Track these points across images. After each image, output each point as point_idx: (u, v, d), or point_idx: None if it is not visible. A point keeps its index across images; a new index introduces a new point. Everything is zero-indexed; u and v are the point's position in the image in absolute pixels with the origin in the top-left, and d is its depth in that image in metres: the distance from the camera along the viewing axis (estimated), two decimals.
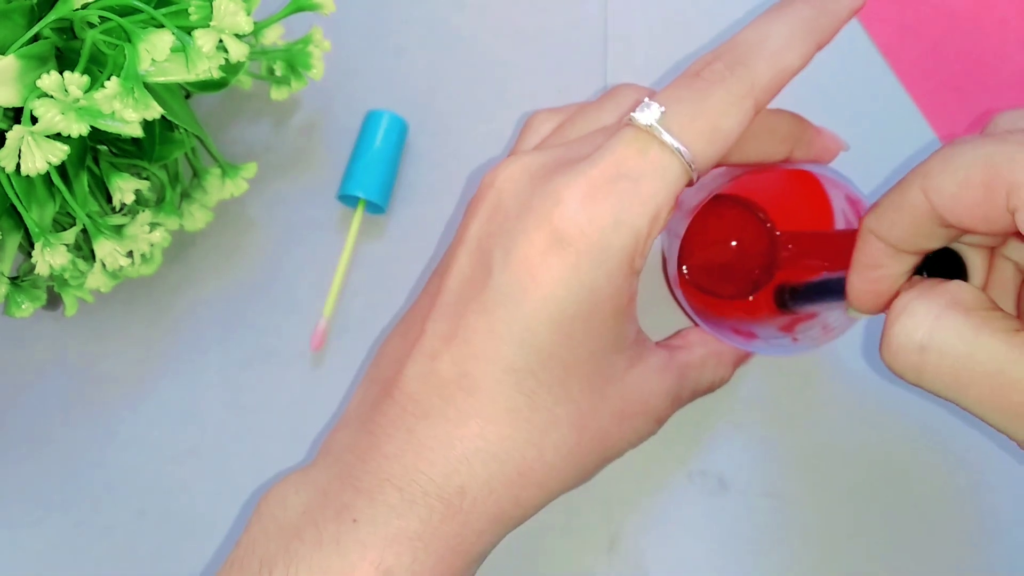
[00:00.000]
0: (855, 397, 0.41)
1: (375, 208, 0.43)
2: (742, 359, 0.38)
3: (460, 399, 0.29)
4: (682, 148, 0.28)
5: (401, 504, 0.28)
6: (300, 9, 0.39)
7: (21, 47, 0.32)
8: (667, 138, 0.28)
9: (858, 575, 0.39)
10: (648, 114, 0.28)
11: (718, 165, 0.31)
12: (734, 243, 0.40)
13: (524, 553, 0.39)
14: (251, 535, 0.30)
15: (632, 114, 0.29)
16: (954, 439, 0.40)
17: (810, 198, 0.39)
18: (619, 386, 0.31)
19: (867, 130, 0.44)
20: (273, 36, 0.41)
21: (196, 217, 0.41)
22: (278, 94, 0.42)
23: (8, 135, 0.31)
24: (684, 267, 0.40)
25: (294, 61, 0.41)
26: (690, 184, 0.29)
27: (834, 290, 0.33)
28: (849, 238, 0.35)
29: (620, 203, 0.28)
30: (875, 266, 0.29)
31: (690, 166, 0.28)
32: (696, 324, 0.36)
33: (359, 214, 0.43)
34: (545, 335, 0.29)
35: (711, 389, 0.37)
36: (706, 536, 0.40)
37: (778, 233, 0.40)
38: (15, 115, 0.32)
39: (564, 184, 0.28)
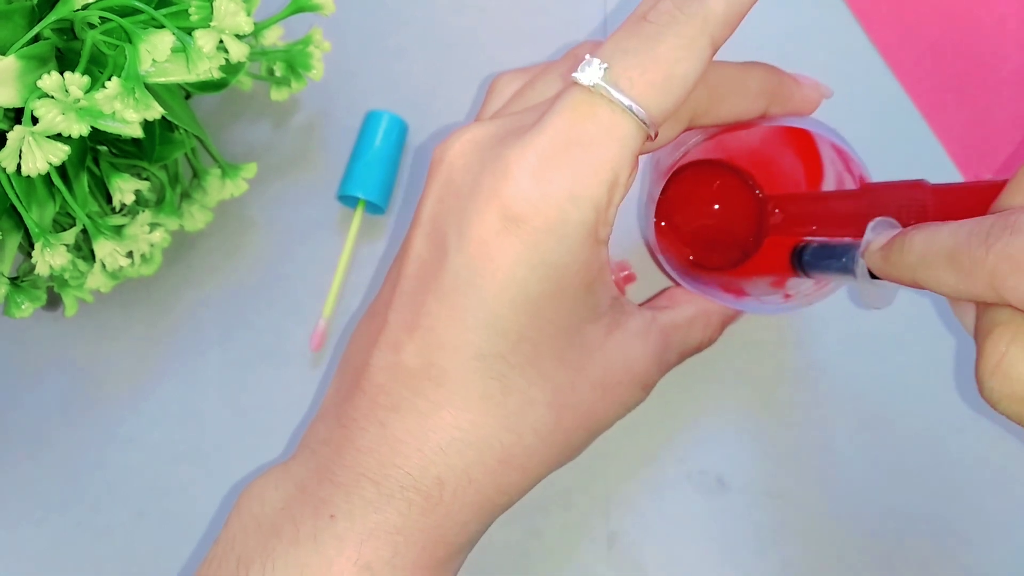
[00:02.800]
0: (854, 397, 0.41)
1: (375, 208, 0.43)
2: (731, 318, 0.37)
3: (429, 390, 0.28)
4: (633, 105, 0.26)
5: (378, 498, 0.28)
6: (300, 10, 0.39)
7: (22, 48, 0.32)
8: (616, 95, 0.26)
9: (855, 574, 0.39)
10: (591, 72, 0.26)
11: (690, 128, 0.29)
12: (718, 209, 0.39)
13: (523, 552, 0.39)
14: (230, 532, 0.29)
15: (574, 74, 0.26)
16: (953, 439, 0.40)
17: (798, 155, 0.37)
18: (598, 356, 0.30)
19: (866, 130, 0.44)
20: (273, 37, 0.41)
21: (196, 217, 0.41)
22: (278, 95, 0.42)
23: (9, 135, 0.31)
24: (663, 223, 0.39)
25: (294, 62, 0.41)
26: (649, 140, 0.27)
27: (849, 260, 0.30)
28: (844, 199, 0.34)
29: (574, 174, 0.26)
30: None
31: (645, 123, 0.26)
32: (679, 285, 0.35)
33: (359, 214, 0.43)
34: (510, 318, 0.27)
35: (699, 349, 0.35)
36: (705, 535, 0.40)
37: (763, 196, 0.38)
38: (16, 115, 0.32)
39: (513, 157, 0.26)
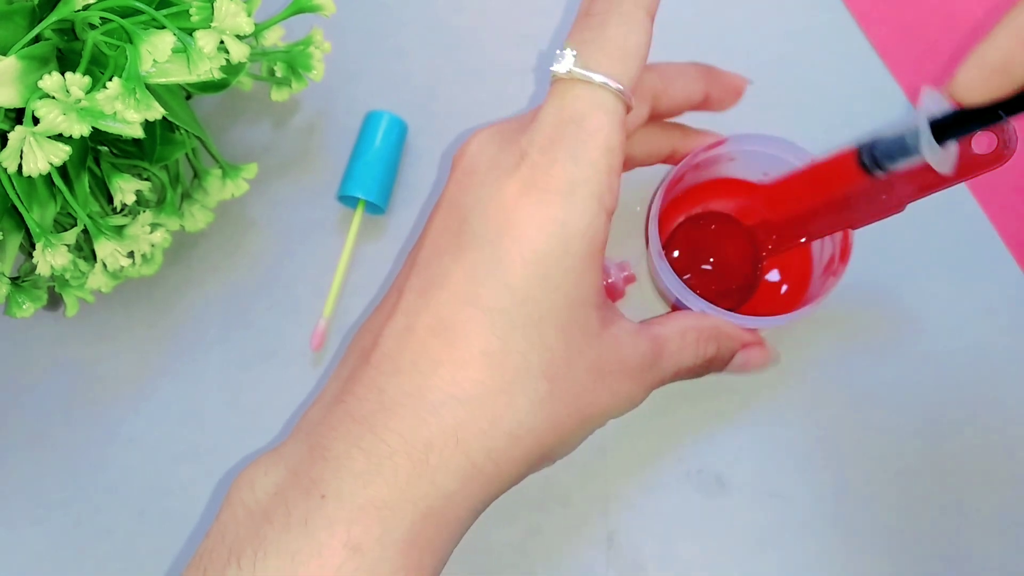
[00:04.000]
0: (854, 396, 0.41)
1: (375, 208, 0.43)
2: (735, 338, 0.37)
3: (434, 348, 0.29)
4: (606, 80, 0.30)
5: (367, 470, 0.28)
6: (301, 11, 0.39)
7: (22, 48, 0.32)
8: (590, 75, 0.30)
9: (855, 574, 0.39)
10: (565, 63, 0.31)
11: (656, 117, 0.36)
12: (716, 259, 0.42)
13: (523, 550, 0.40)
14: (221, 523, 0.29)
15: (552, 67, 0.31)
16: (952, 439, 0.40)
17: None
18: (595, 341, 0.31)
19: (864, 130, 0.44)
20: (274, 37, 0.41)
21: (197, 217, 0.41)
22: (278, 95, 0.42)
23: (10, 136, 0.31)
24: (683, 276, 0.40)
25: (294, 62, 0.41)
26: (628, 110, 0.31)
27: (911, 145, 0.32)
28: (798, 183, 0.37)
29: (574, 143, 0.30)
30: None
31: (621, 92, 0.30)
32: (683, 305, 0.38)
33: (359, 214, 0.43)
34: (519, 273, 0.29)
35: (695, 370, 0.36)
36: (704, 534, 0.40)
37: (751, 229, 0.41)
38: (17, 116, 0.32)
39: (524, 142, 0.30)
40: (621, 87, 0.31)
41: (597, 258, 0.31)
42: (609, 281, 0.41)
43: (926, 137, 0.30)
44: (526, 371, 0.29)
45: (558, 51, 0.31)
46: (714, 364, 0.36)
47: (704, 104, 0.38)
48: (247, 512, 0.28)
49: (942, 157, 0.31)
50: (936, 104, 0.30)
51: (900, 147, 0.32)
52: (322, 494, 0.28)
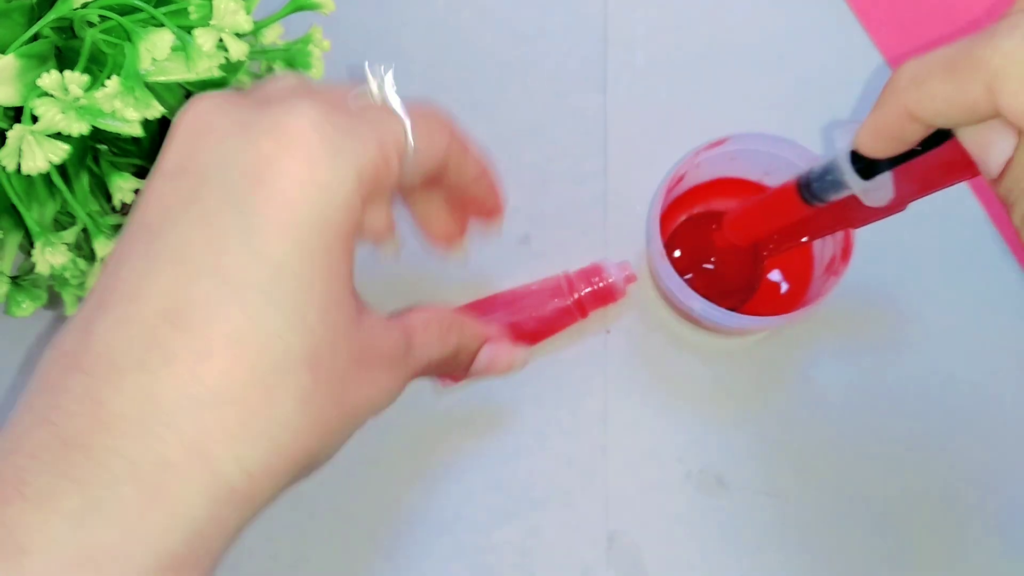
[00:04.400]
0: (854, 396, 0.41)
1: None
2: (477, 333, 0.35)
3: (166, 337, 0.23)
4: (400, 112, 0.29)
5: (83, 508, 0.21)
6: (300, 8, 0.39)
7: (21, 46, 0.32)
8: (389, 98, 0.29)
9: (855, 573, 0.39)
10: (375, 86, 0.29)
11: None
12: (716, 261, 0.42)
13: (523, 550, 0.40)
14: None
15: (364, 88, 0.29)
16: (952, 439, 0.40)
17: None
18: (354, 327, 0.27)
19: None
20: (273, 35, 0.41)
21: None
22: None
23: (9, 134, 0.31)
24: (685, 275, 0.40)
25: (294, 60, 0.41)
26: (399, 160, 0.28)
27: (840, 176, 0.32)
28: (779, 200, 0.36)
29: (362, 119, 0.27)
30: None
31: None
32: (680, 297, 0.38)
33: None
34: (276, 239, 0.24)
35: (451, 359, 0.33)
36: (704, 534, 0.40)
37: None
38: (15, 114, 0.32)
39: (299, 100, 0.26)
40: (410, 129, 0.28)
41: (353, 239, 0.27)
42: (610, 281, 0.40)
43: (849, 174, 0.31)
44: (286, 358, 0.24)
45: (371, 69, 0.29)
46: (460, 358, 0.34)
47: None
48: None
49: (872, 190, 0.31)
50: (849, 138, 0.31)
51: (831, 182, 0.33)
52: (21, 547, 0.21)
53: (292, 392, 0.24)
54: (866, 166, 0.30)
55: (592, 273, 0.40)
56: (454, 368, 0.35)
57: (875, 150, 0.29)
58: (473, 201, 0.34)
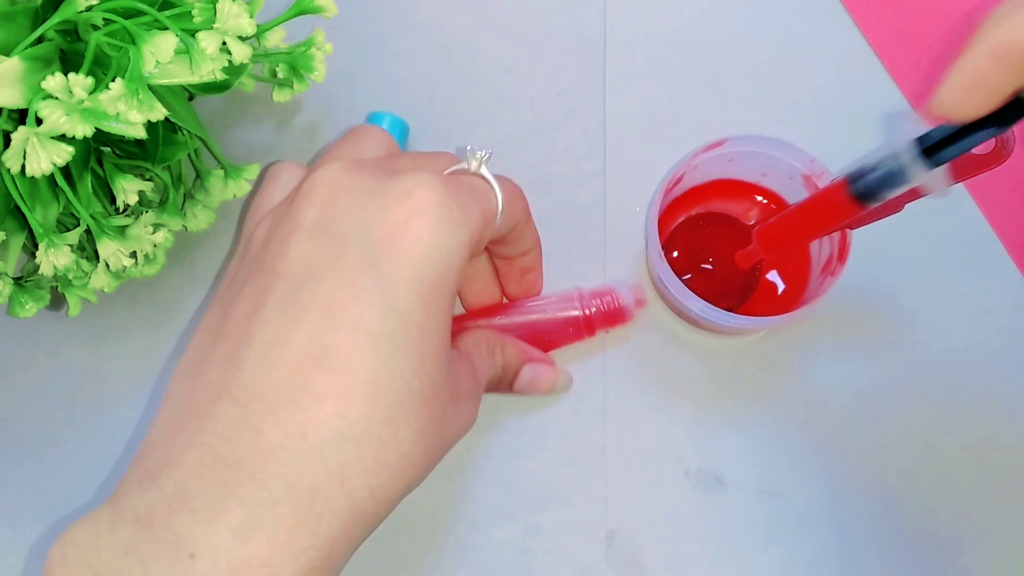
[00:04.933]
0: (852, 396, 0.41)
1: None
2: (518, 350, 0.39)
3: (316, 379, 0.26)
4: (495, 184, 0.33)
5: (245, 524, 0.25)
6: (303, 12, 0.39)
7: (26, 49, 0.32)
8: (484, 173, 0.33)
9: (854, 573, 0.39)
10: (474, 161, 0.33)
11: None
12: (714, 260, 0.42)
13: (523, 549, 0.40)
14: None
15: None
16: (950, 439, 0.41)
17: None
18: (450, 367, 0.30)
19: (864, 132, 0.44)
20: (276, 39, 0.41)
21: (199, 218, 0.41)
22: (280, 96, 0.42)
23: (13, 136, 0.31)
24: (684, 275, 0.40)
25: (296, 63, 0.41)
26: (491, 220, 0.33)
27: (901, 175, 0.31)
28: (822, 205, 0.36)
29: (471, 191, 0.31)
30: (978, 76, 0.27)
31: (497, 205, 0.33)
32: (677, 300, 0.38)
33: None
34: (405, 295, 0.28)
35: (500, 377, 0.37)
36: (703, 533, 0.40)
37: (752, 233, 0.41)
38: (20, 116, 0.33)
39: (422, 173, 0.30)
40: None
41: (456, 292, 0.31)
42: (621, 303, 0.41)
43: (919, 164, 0.30)
44: (410, 399, 0.27)
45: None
46: (507, 374, 0.38)
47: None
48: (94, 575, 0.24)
49: (937, 179, 0.30)
50: (914, 127, 0.29)
51: (892, 177, 0.32)
52: (191, 553, 0.24)
53: (413, 428, 0.28)
54: (932, 152, 0.29)
55: (605, 293, 0.41)
56: (498, 386, 0.38)
57: (963, 106, 0.27)
58: (519, 264, 0.39)
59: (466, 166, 0.34)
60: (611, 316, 0.41)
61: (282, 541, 0.25)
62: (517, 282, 0.40)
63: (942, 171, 0.30)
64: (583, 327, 0.41)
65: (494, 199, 0.33)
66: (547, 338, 0.41)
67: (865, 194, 0.33)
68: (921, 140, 0.30)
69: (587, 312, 0.40)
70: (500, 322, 0.40)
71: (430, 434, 0.29)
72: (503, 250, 0.38)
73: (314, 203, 0.30)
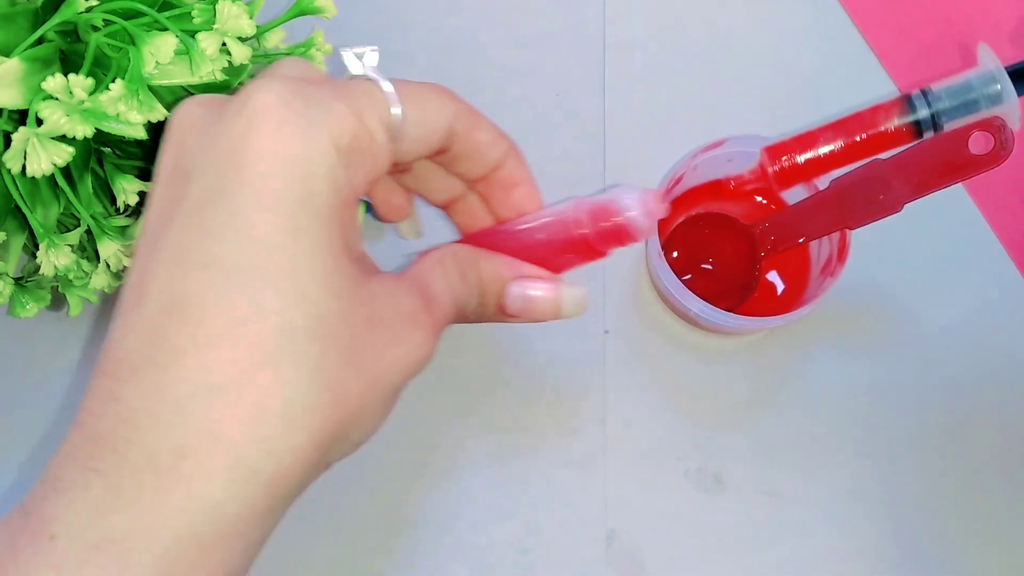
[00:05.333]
0: (851, 396, 0.41)
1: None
2: (499, 262, 0.32)
3: (174, 333, 0.24)
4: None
5: (104, 496, 0.23)
6: (302, 13, 0.39)
7: (26, 50, 0.32)
8: (367, 71, 0.29)
9: (854, 573, 0.39)
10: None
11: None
12: (714, 260, 0.42)
13: (522, 550, 0.40)
14: None
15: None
16: (950, 439, 0.41)
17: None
18: (360, 292, 0.26)
19: None
20: (275, 39, 0.41)
21: None
22: None
23: (13, 137, 0.31)
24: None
25: None
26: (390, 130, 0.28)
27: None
28: (820, 203, 0.36)
29: (332, 89, 0.27)
30: None
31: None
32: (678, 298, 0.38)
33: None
34: (259, 219, 0.24)
35: (480, 297, 0.31)
36: (703, 533, 0.40)
37: (753, 232, 0.41)
38: (20, 117, 0.33)
39: (264, 79, 0.26)
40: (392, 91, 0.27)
41: (344, 209, 0.26)
42: (628, 216, 0.31)
43: (1009, 86, 0.28)
44: (289, 333, 0.24)
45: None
46: (489, 296, 0.31)
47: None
48: None
49: (1015, 110, 0.29)
50: (993, 59, 0.28)
51: (965, 103, 0.29)
52: (51, 534, 0.23)
53: (301, 366, 0.24)
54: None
55: (604, 207, 0.31)
56: (483, 313, 0.32)
57: None
58: (498, 182, 0.32)
59: (348, 75, 0.29)
60: (614, 234, 0.31)
61: (146, 512, 0.22)
62: (504, 203, 0.33)
63: (1017, 102, 0.29)
64: (585, 249, 0.32)
65: (380, 98, 0.27)
66: (547, 265, 0.33)
67: (927, 121, 0.30)
68: (1015, 70, 0.28)
69: (583, 232, 0.31)
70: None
71: (334, 369, 0.25)
72: (462, 168, 0.32)
73: (168, 147, 0.27)
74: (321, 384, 0.24)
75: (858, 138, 0.34)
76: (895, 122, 0.31)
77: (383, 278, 0.28)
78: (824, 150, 0.34)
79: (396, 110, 0.28)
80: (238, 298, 0.24)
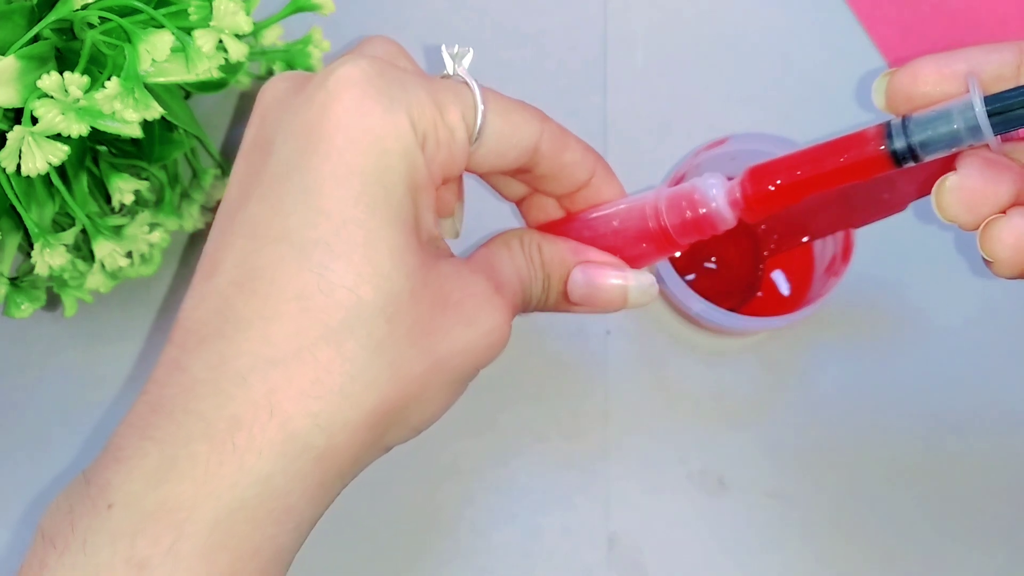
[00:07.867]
0: (855, 397, 0.41)
1: None
2: (562, 245, 0.31)
3: (240, 304, 0.24)
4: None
5: (160, 466, 0.23)
6: (300, 9, 0.39)
7: (21, 47, 0.32)
8: (462, 73, 0.28)
9: (856, 574, 0.39)
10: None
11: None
12: (717, 260, 0.41)
13: (523, 552, 0.40)
14: (25, 562, 0.24)
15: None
16: (955, 440, 0.41)
17: None
18: (431, 272, 0.26)
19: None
20: (272, 36, 0.41)
21: (195, 217, 0.41)
22: None
23: (8, 135, 0.31)
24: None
25: (293, 61, 0.41)
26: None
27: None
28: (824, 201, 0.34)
29: (417, 75, 0.27)
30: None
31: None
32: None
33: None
34: (332, 193, 0.24)
35: (546, 281, 0.30)
36: (705, 535, 0.40)
37: (756, 232, 0.41)
38: (15, 116, 0.32)
39: (358, 59, 0.26)
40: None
41: (421, 189, 0.26)
42: (712, 207, 0.29)
43: (985, 122, 0.27)
44: (357, 309, 0.24)
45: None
46: (553, 280, 0.30)
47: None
48: (42, 539, 0.24)
49: (997, 142, 0.27)
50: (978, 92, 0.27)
51: (945, 136, 0.28)
52: (109, 503, 0.23)
53: (364, 343, 0.24)
54: (1001, 114, 0.27)
55: (684, 198, 0.30)
56: (547, 300, 0.31)
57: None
58: (584, 198, 0.32)
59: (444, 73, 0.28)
60: (696, 225, 0.30)
61: (198, 480, 0.23)
62: (583, 207, 0.32)
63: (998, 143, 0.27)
64: (663, 241, 0.30)
65: (468, 97, 0.27)
66: (618, 256, 0.31)
67: (905, 152, 0.29)
68: (991, 100, 0.27)
69: (661, 223, 0.30)
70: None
71: (399, 348, 0.24)
72: (547, 187, 0.31)
73: (253, 122, 0.27)
74: (383, 362, 0.24)
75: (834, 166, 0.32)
76: (872, 149, 0.30)
77: (454, 261, 0.28)
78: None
79: (479, 114, 0.27)
80: (306, 272, 0.24)
